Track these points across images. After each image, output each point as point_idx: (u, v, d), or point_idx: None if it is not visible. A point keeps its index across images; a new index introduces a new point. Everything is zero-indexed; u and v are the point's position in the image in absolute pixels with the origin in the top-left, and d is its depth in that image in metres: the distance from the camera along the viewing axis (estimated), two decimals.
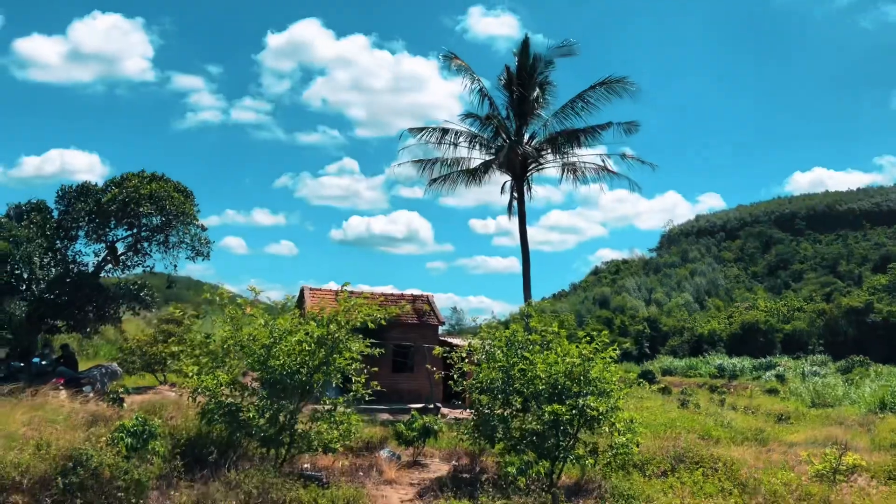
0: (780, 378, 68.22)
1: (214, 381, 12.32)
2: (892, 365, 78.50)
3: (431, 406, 26.48)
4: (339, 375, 13.38)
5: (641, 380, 53.03)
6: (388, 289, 32.29)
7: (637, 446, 14.49)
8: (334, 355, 13.22)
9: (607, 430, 14.01)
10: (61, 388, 18.89)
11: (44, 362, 20.73)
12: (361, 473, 14.76)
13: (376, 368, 14.47)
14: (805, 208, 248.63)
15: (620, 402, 14.29)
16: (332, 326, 12.88)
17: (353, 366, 13.80)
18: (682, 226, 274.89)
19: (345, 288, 13.39)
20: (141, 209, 21.99)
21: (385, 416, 24.53)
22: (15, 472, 8.94)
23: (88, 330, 24.00)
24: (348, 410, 13.57)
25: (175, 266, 24.01)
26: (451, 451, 18.09)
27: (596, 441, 14.52)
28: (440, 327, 30.55)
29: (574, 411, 13.14)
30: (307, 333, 12.97)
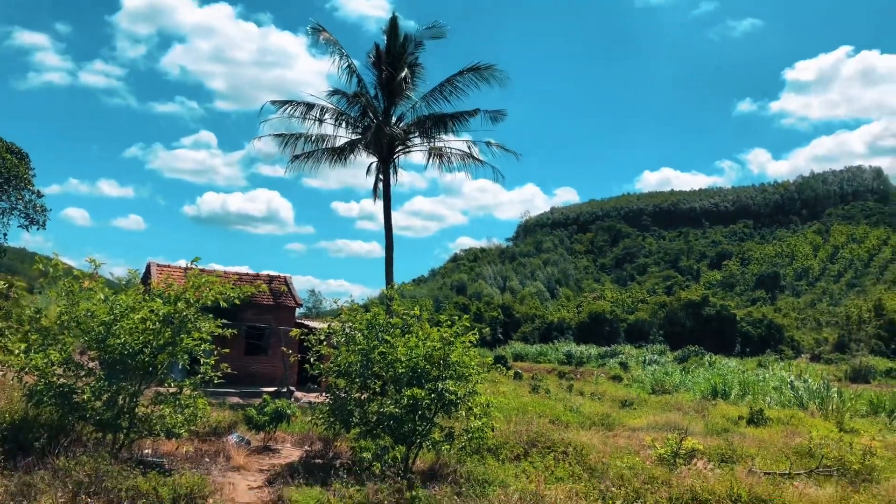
0: (624, 366, 71.90)
1: (45, 360, 11.17)
2: (723, 355, 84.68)
3: (285, 390, 25.73)
4: (186, 357, 12.52)
5: (499, 365, 54.30)
6: (244, 269, 30.99)
7: (492, 430, 14.55)
8: (182, 335, 12.35)
9: (464, 414, 13.95)
10: None
11: None
12: (207, 460, 13.96)
13: (227, 350, 13.66)
14: (651, 205, 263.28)
15: (479, 387, 14.26)
16: (179, 304, 12.01)
17: (202, 347, 12.97)
18: (538, 217, 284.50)
19: (194, 264, 12.50)
20: None
21: (236, 400, 23.58)
22: None
23: None
24: (195, 393, 12.74)
25: (5, 234, 21.95)
26: (304, 436, 17.55)
27: (452, 425, 14.44)
28: (297, 310, 29.74)
29: (433, 395, 12.96)
30: (152, 311, 12.03)
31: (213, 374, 13.13)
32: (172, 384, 12.66)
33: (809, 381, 41.90)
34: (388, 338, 14.11)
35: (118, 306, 11.88)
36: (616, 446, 18.51)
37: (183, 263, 28.56)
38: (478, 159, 28.75)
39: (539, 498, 8.70)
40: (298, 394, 26.42)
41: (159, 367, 12.32)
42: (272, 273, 29.93)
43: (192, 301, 12.31)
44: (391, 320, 14.81)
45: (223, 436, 15.89)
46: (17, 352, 11.14)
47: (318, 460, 14.63)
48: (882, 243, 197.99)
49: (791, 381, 41.24)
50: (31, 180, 22.09)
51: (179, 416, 12.33)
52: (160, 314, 11.92)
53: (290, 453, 15.90)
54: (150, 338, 11.85)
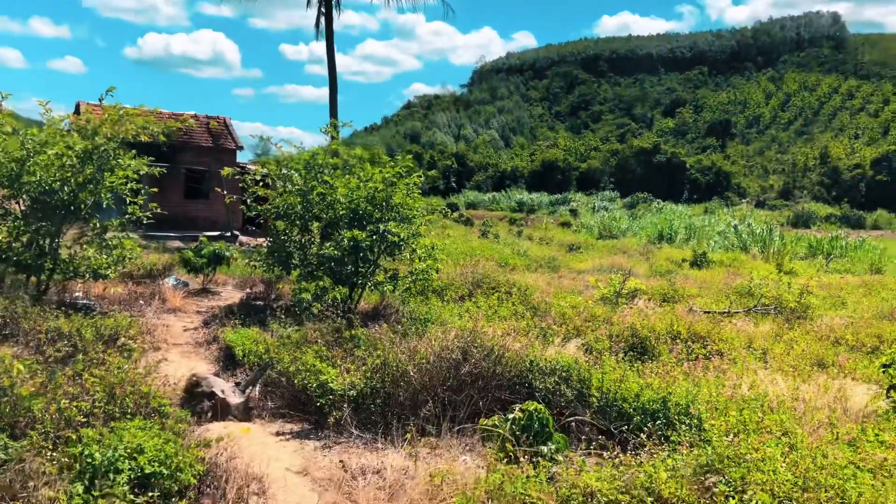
0: (574, 213, 72.74)
1: None
2: (672, 202, 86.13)
3: (229, 234, 25.23)
4: (109, 195, 11.81)
5: (447, 209, 54.37)
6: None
7: (437, 272, 14.38)
8: (104, 173, 11.59)
9: (408, 256, 13.70)
10: None
11: None
12: (142, 302, 13.62)
13: (155, 189, 12.96)
14: (608, 51, 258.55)
15: (423, 230, 13.92)
16: (97, 139, 11.15)
17: (129, 186, 12.25)
18: (494, 62, 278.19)
19: (109, 94, 11.50)
20: None
21: (177, 245, 23.07)
22: None
23: None
24: (121, 234, 12.13)
25: None
26: (245, 279, 17.28)
27: (396, 268, 14.22)
28: (238, 152, 28.71)
29: (374, 237, 12.59)
30: (69, 147, 11.18)
31: (142, 213, 12.49)
32: (97, 225, 12.00)
33: (753, 225, 42.86)
34: (328, 178, 13.53)
35: (30, 141, 11.00)
36: (560, 287, 18.67)
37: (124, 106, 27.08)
38: None
39: (477, 334, 8.54)
40: (244, 238, 25.99)
41: (82, 206, 11.63)
42: (210, 115, 28.61)
43: (111, 136, 11.45)
44: (331, 160, 14.18)
45: (160, 278, 15.49)
46: None
47: (258, 302, 14.38)
48: (833, 91, 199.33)
49: (735, 226, 42.15)
50: None
51: (105, 257, 11.78)
52: (77, 149, 11.08)
53: (231, 296, 15.63)
54: (69, 175, 11.08)
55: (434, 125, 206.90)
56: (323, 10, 26.89)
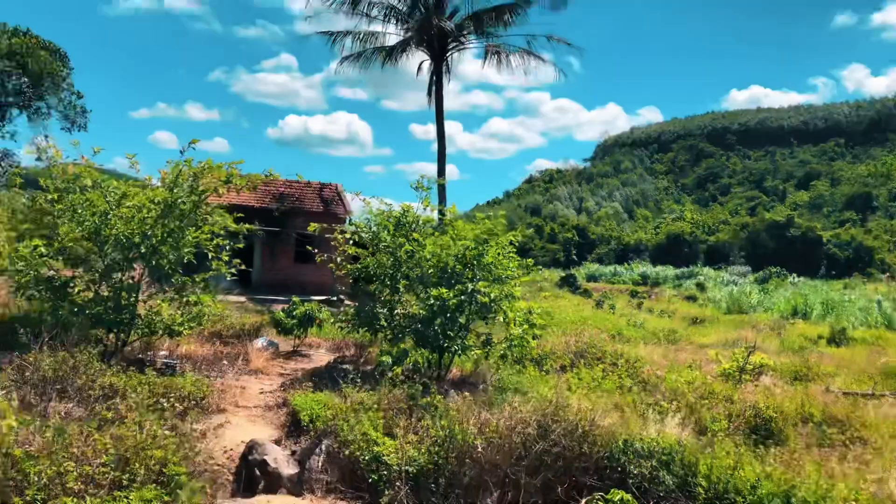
0: (700, 287, 69.16)
1: (30, 250, 10.26)
2: (808, 277, 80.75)
3: (335, 298, 24.95)
4: (190, 251, 11.48)
5: (562, 281, 52.74)
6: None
7: (534, 339, 13.19)
8: (188, 228, 11.30)
9: (502, 320, 12.65)
10: None
11: None
12: (226, 362, 13.14)
13: (240, 245, 12.54)
14: (737, 124, 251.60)
15: (517, 291, 12.85)
16: (177, 191, 10.88)
17: (214, 242, 11.91)
18: (618, 136, 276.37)
19: (192, 147, 11.24)
20: None
21: (282, 308, 22.89)
22: None
23: None
24: (200, 291, 11.74)
25: (46, 136, 21.29)
26: (339, 342, 16.64)
27: (490, 332, 13.17)
28: (349, 218, 28.70)
29: (463, 297, 11.64)
30: (151, 200, 10.97)
31: (227, 270, 12.10)
32: (178, 280, 11.67)
33: None
34: (417, 236, 12.79)
35: (111, 194, 10.85)
36: (676, 360, 16.97)
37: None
38: (538, 56, 26.59)
39: (559, 406, 7.36)
40: (350, 302, 25.64)
41: (164, 261, 11.34)
42: (324, 182, 28.87)
43: (194, 188, 11.15)
44: (422, 217, 13.46)
45: (249, 339, 15.05)
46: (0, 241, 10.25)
47: (346, 366, 13.62)
48: None
49: (879, 301, 38.40)
50: (69, 78, 21.32)
51: (180, 314, 11.39)
52: (158, 201, 10.84)
53: (321, 359, 14.99)
54: (148, 228, 10.82)
55: (555, 198, 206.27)
56: (434, 77, 26.81)
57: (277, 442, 9.07)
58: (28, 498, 4.86)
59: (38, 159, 11.17)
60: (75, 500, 4.75)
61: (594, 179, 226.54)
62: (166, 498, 5.19)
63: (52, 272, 10.54)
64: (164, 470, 5.66)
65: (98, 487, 5.25)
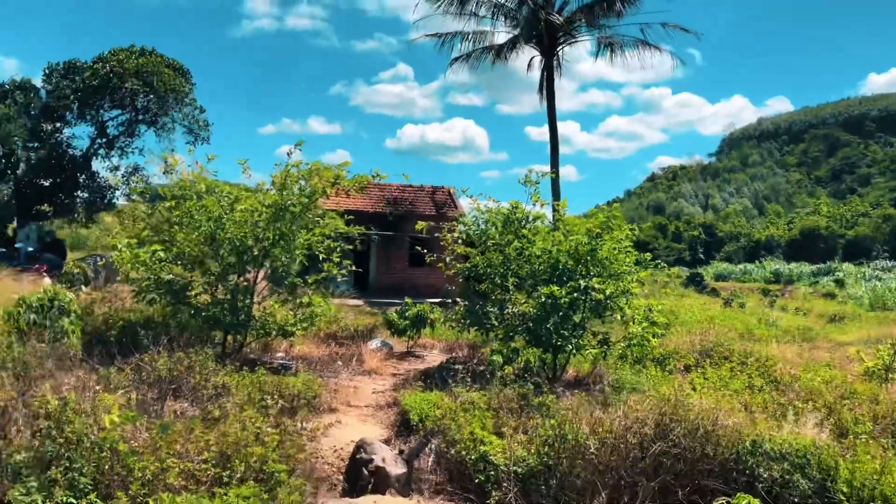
0: (839, 283, 64.86)
1: (149, 255, 10.63)
2: None
3: (450, 301, 24.91)
4: (301, 253, 11.60)
5: (688, 281, 50.70)
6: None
7: (655, 338, 12.54)
8: (296, 229, 11.42)
9: (619, 318, 12.11)
10: (44, 274, 17.74)
11: (30, 248, 19.54)
12: (340, 363, 13.23)
13: (350, 247, 12.59)
14: (877, 109, 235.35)
15: (635, 287, 12.25)
16: (286, 193, 10.99)
17: (325, 244, 12.01)
18: (744, 129, 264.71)
19: (298, 148, 11.32)
20: (126, 84, 20.17)
21: (395, 309, 23.05)
22: None
23: (77, 216, 22.74)
24: (312, 292, 11.85)
25: (172, 150, 22.33)
26: (453, 343, 16.50)
27: (607, 331, 12.63)
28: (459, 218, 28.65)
29: (575, 294, 11.19)
30: (262, 203, 11.15)
31: (338, 272, 12.16)
32: (292, 282, 11.82)
33: None
34: (527, 233, 12.44)
35: (225, 198, 11.11)
36: (812, 359, 15.78)
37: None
38: (654, 46, 25.61)
39: (678, 404, 6.83)
40: (461, 302, 25.54)
41: (277, 263, 11.52)
42: (436, 186, 28.96)
43: (303, 190, 11.25)
44: (531, 212, 13.07)
45: (363, 340, 15.14)
46: (121, 247, 10.66)
47: (458, 367, 13.42)
48: None
49: None
50: (191, 93, 22.39)
51: (293, 315, 11.53)
52: (267, 204, 11.01)
53: (435, 360, 14.87)
54: (259, 231, 11.00)
55: (679, 196, 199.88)
56: (545, 73, 26.32)
57: (387, 441, 8.95)
58: (131, 493, 4.88)
59: (166, 172, 11.56)
60: (174, 496, 4.70)
61: (720, 175, 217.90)
62: (265, 496, 5.09)
63: (171, 276, 10.87)
64: (265, 467, 5.58)
65: (198, 484, 5.23)
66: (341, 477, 8.10)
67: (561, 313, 11.29)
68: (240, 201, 11.01)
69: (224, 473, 5.41)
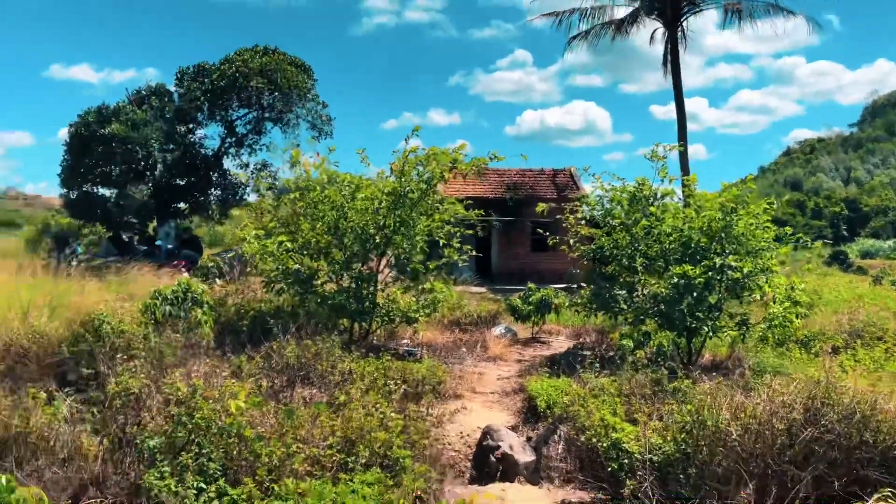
0: None
1: (275, 245, 10.85)
2: None
3: (575, 286, 24.38)
4: (423, 240, 11.54)
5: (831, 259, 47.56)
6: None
7: (798, 318, 11.68)
8: (416, 215, 11.37)
9: (759, 298, 11.37)
10: (183, 269, 18.62)
11: (169, 245, 20.61)
12: (465, 349, 13.12)
13: (469, 231, 12.41)
14: None
15: (775, 265, 11.44)
16: (405, 179, 10.94)
17: (445, 230, 11.91)
18: (889, 95, 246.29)
19: (415, 134, 11.21)
20: (251, 83, 20.86)
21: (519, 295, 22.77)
22: (25, 339, 7.98)
23: (212, 214, 23.76)
24: (433, 279, 11.78)
25: (297, 145, 22.93)
26: (579, 328, 16.08)
27: (746, 312, 11.88)
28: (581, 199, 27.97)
29: (710, 273, 10.57)
30: (382, 191, 11.17)
31: (459, 257, 12.05)
32: (412, 269, 11.80)
33: None
34: (655, 210, 11.86)
35: (346, 188, 11.19)
36: None
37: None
38: (786, 10, 24.01)
39: (830, 387, 6.23)
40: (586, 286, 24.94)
41: (399, 250, 11.53)
42: (557, 168, 28.40)
43: (421, 176, 11.16)
44: (660, 189, 12.45)
45: (486, 327, 14.98)
46: (249, 239, 10.94)
47: (586, 352, 13.03)
48: None
49: None
50: (313, 89, 23.00)
51: (415, 301, 11.50)
52: (386, 191, 11.00)
53: (561, 346, 14.52)
54: (380, 219, 11.01)
55: (818, 170, 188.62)
56: (669, 45, 25.24)
57: (514, 428, 8.73)
58: (258, 478, 4.88)
59: (291, 166, 11.79)
60: (298, 482, 4.66)
61: (863, 146, 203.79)
62: (390, 482, 4.99)
63: (297, 266, 11.06)
64: (389, 453, 5.48)
65: (323, 469, 5.18)
66: (468, 464, 7.95)
67: (695, 294, 10.70)
68: (360, 190, 11.05)
69: (349, 459, 5.35)
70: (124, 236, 23.17)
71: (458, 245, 12.05)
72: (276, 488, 4.59)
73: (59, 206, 29.55)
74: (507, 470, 7.38)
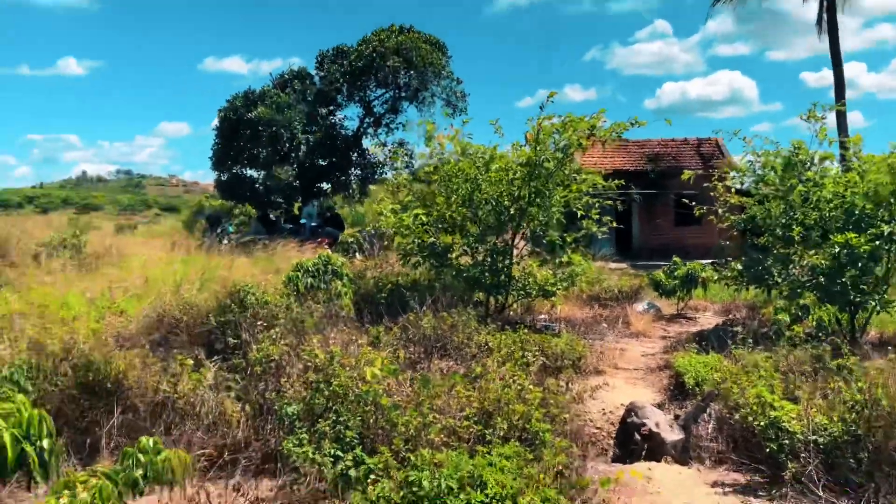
0: None
1: (411, 218, 10.85)
2: None
3: (724, 260, 23.19)
4: (559, 211, 11.20)
5: None
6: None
7: None
8: (555, 187, 11.03)
9: None
10: (326, 246, 19.15)
11: (313, 223, 21.27)
12: (605, 325, 12.69)
13: (609, 202, 11.93)
14: None
15: None
16: (540, 148, 10.60)
17: (583, 201, 11.50)
18: None
19: (550, 100, 10.79)
20: (388, 63, 21.06)
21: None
22: (177, 310, 8.36)
23: (352, 193, 24.28)
24: (570, 252, 11.42)
25: (434, 122, 22.98)
26: (728, 304, 15.24)
27: None
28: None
29: (877, 242, 9.64)
30: (516, 162, 10.91)
31: (597, 229, 11.63)
32: (548, 241, 11.49)
33: None
34: (812, 175, 10.96)
35: (479, 159, 11.01)
36: None
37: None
38: None
39: None
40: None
41: (534, 221, 11.25)
42: (702, 138, 27.02)
43: (557, 144, 10.79)
44: (819, 153, 11.49)
45: (628, 302, 14.43)
46: (386, 213, 11.00)
47: (736, 329, 12.29)
48: None
49: None
50: (449, 68, 22.98)
51: (552, 274, 11.19)
52: (521, 161, 10.73)
53: (708, 322, 13.81)
54: (515, 190, 10.76)
55: None
56: (825, 3, 23.37)
57: (660, 406, 8.30)
58: (393, 447, 4.80)
59: (427, 142, 11.73)
60: (434, 452, 4.53)
61: None
62: (529, 455, 4.77)
63: (432, 239, 11.02)
64: (528, 426, 5.27)
65: (460, 440, 5.04)
66: (611, 441, 7.63)
67: (859, 265, 9.80)
68: (494, 161, 10.84)
69: (486, 431, 5.18)
70: (271, 215, 24.29)
71: (597, 216, 11.63)
72: (412, 458, 4.48)
73: (213, 189, 31.37)
74: (653, 449, 7.01)
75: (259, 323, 7.35)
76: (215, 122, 23.81)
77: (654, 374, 9.75)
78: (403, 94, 23.18)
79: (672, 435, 7.16)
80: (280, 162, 22.19)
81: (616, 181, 11.91)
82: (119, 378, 5.63)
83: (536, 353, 7.68)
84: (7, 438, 3.74)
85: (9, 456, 3.74)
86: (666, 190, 24.91)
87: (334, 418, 5.03)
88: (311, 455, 4.70)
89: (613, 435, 7.71)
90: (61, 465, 4.79)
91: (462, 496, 4.01)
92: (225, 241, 19.73)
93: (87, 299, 9.46)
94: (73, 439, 5.29)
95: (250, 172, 23.43)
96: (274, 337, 6.60)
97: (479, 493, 4.05)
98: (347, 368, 5.34)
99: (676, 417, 7.67)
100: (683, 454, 7.00)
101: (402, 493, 4.11)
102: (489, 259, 11.02)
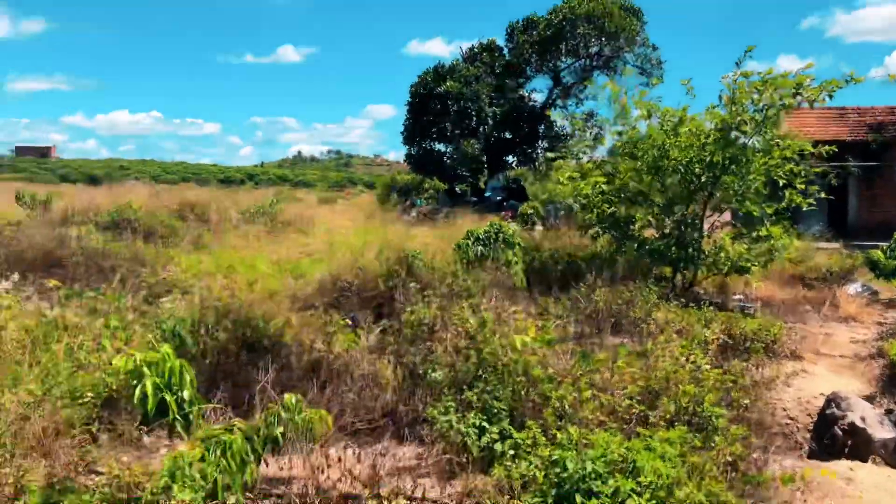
0: None
1: (590, 186, 10.27)
2: None
3: None
4: (758, 179, 10.12)
5: None
6: None
7: None
8: (752, 152, 9.99)
9: None
10: (509, 219, 18.98)
11: (498, 197, 21.17)
12: (808, 308, 11.41)
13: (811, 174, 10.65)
14: None
15: None
16: (735, 108, 9.59)
17: (786, 168, 10.33)
18: None
19: (747, 55, 9.67)
20: (578, 31, 20.29)
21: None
22: (350, 275, 8.47)
23: (538, 167, 23.79)
24: (770, 225, 10.31)
25: (626, 91, 21.97)
26: None
27: None
28: None
29: None
30: (710, 125, 9.99)
31: (802, 201, 10.44)
32: (744, 212, 10.46)
33: None
34: None
35: (668, 122, 10.18)
36: None
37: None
38: None
39: None
40: None
41: (729, 192, 10.28)
42: None
43: (756, 104, 9.73)
44: None
45: (838, 284, 12.90)
46: (563, 180, 10.51)
47: None
48: None
49: None
50: (644, 34, 21.69)
51: (747, 249, 10.17)
52: (715, 124, 9.78)
53: None
54: (706, 155, 9.85)
55: None
56: None
57: (869, 399, 7.28)
58: (541, 422, 4.42)
59: (611, 104, 11.10)
60: (586, 431, 4.10)
61: None
62: (697, 442, 4.21)
63: (613, 209, 10.40)
64: (699, 410, 4.67)
65: (619, 421, 4.55)
66: (807, 435, 6.78)
67: None
68: (684, 123, 9.97)
69: (651, 413, 4.65)
70: (457, 188, 24.45)
71: (803, 186, 10.41)
72: (559, 435, 4.07)
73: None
74: (857, 445, 6.11)
75: (420, 287, 7.22)
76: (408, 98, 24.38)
77: (864, 362, 8.60)
78: (594, 63, 22.31)
79: (882, 432, 6.22)
80: (467, 135, 22.20)
81: (828, 147, 10.57)
82: (277, 335, 5.68)
83: (717, 333, 6.92)
84: (148, 386, 3.80)
85: (149, 403, 3.80)
86: (891, 162, 22.16)
87: (482, 387, 4.72)
88: (455, 424, 4.43)
89: (810, 428, 6.85)
90: (218, 416, 4.87)
91: (611, 482, 3.55)
92: (413, 213, 20.10)
93: (273, 262, 9.85)
94: (233, 393, 5.38)
95: (438, 147, 23.76)
96: (429, 301, 6.42)
97: (630, 480, 3.57)
98: (499, 336, 5.01)
99: (889, 412, 6.67)
100: (894, 455, 6.05)
101: (544, 474, 3.72)
102: (677, 231, 10.21)
